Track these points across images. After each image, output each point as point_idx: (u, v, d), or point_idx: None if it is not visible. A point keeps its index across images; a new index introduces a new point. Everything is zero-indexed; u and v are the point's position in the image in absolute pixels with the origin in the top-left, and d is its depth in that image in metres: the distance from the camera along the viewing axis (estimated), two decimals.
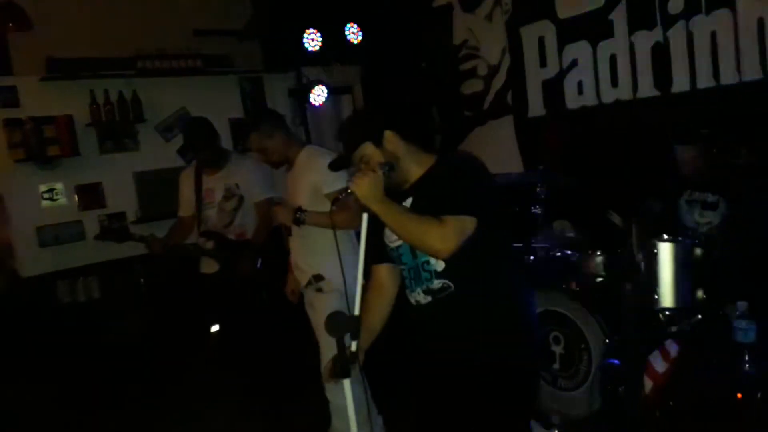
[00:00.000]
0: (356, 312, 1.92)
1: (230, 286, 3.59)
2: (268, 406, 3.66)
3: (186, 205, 3.80)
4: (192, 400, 4.05)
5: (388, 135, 2.05)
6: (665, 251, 2.87)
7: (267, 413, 3.64)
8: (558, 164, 3.91)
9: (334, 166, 2.19)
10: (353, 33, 5.42)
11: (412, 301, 2.11)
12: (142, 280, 4.97)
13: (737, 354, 2.58)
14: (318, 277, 3.11)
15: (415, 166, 2.07)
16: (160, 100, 5.27)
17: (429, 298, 2.04)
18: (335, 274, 2.82)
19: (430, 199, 1.97)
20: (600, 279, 3.33)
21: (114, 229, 4.60)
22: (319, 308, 3.08)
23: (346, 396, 1.90)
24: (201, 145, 3.63)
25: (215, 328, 3.88)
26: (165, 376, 4.38)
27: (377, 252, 2.15)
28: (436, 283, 2.01)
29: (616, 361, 2.63)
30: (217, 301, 3.70)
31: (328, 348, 2.91)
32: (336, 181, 2.84)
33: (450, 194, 1.92)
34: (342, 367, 1.89)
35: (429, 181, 2.04)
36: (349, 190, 1.94)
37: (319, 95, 5.22)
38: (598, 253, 3.52)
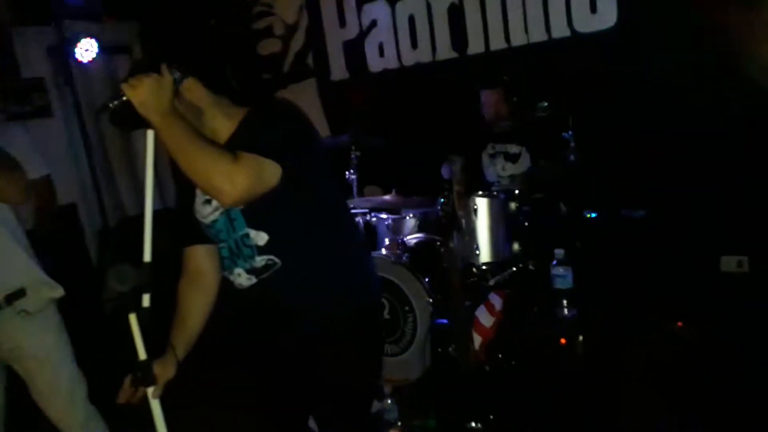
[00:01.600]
0: (147, 258, 1.57)
1: None
2: None
3: None
4: None
5: (190, 82, 1.64)
6: (482, 207, 2.93)
7: None
8: (365, 128, 3.82)
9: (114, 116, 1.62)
10: None
11: (234, 284, 1.79)
12: None
13: (557, 300, 2.73)
14: (17, 294, 2.22)
15: (223, 119, 1.71)
16: None
17: (253, 279, 1.74)
18: (35, 280, 2.21)
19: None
20: (414, 240, 3.32)
21: None
22: (38, 340, 2.28)
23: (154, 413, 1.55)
24: None
25: None
26: None
27: (189, 231, 1.79)
28: (259, 261, 1.72)
29: (444, 321, 2.61)
30: None
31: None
32: None
33: (254, 135, 1.62)
34: (144, 368, 1.57)
35: (241, 133, 1.69)
36: (123, 97, 1.52)
37: (87, 50, 4.45)
38: (411, 215, 3.53)
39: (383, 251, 3.25)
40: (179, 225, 1.80)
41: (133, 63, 1.64)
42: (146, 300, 1.60)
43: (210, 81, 1.68)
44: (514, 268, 3.02)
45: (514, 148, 3.52)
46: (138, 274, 1.57)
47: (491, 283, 2.92)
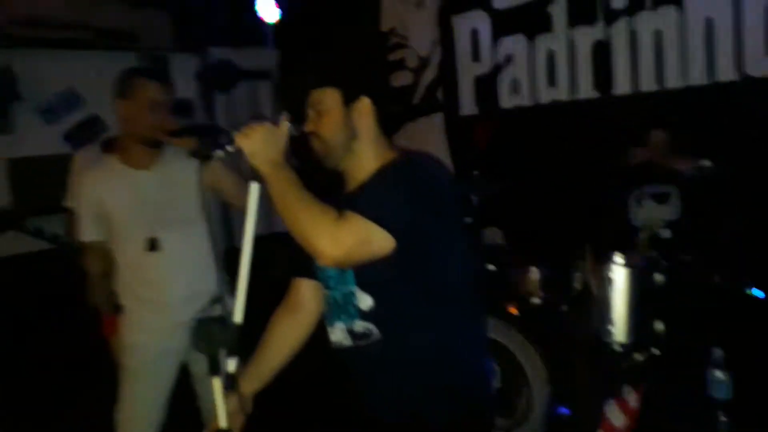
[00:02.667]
0: (237, 319, 1.44)
1: None
2: None
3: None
4: None
5: (365, 102, 1.54)
6: (621, 277, 2.53)
7: None
8: (490, 167, 3.56)
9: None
10: (269, 10, 4.85)
11: (333, 338, 1.63)
12: None
13: (710, 409, 2.24)
14: (216, 300, 2.51)
15: (371, 157, 1.56)
16: (41, 76, 4.50)
17: (350, 342, 1.56)
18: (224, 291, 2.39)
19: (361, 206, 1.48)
20: (537, 301, 2.99)
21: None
22: None
23: None
24: None
25: None
26: None
27: (304, 264, 1.64)
28: (359, 325, 1.53)
29: (565, 410, 2.26)
30: None
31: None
32: None
33: (375, 197, 1.45)
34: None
35: (374, 184, 1.53)
36: (231, 147, 1.45)
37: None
38: (534, 269, 3.20)
39: (498, 311, 2.95)
40: (296, 253, 1.61)
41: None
42: (232, 365, 1.47)
43: (383, 110, 1.56)
44: (655, 354, 2.56)
45: (664, 188, 3.12)
46: (226, 336, 1.43)
47: (624, 368, 2.49)
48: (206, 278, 2.28)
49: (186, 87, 5.07)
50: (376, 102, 1.56)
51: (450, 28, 4.51)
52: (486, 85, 4.37)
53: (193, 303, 2.28)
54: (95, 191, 2.32)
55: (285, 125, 1.49)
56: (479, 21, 4.33)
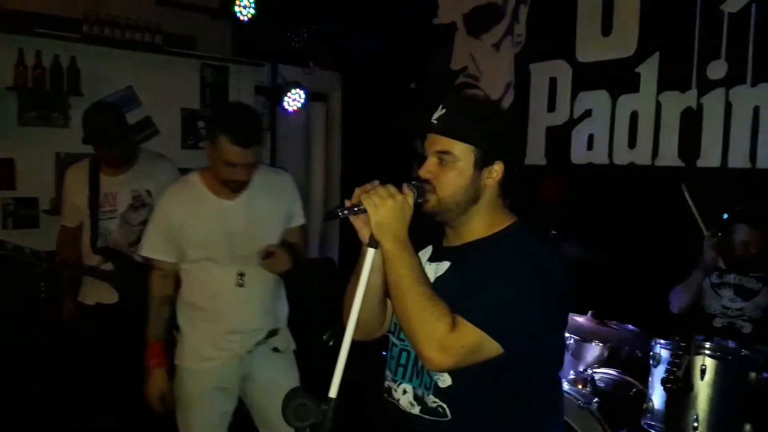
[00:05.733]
0: (332, 394, 1.28)
1: (131, 325, 2.73)
2: None
3: (72, 213, 2.97)
4: None
5: (498, 167, 1.43)
6: (711, 369, 2.32)
7: None
8: (555, 222, 3.35)
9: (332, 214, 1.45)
10: (342, 34, 4.76)
11: (393, 396, 1.48)
12: (42, 284, 4.08)
13: None
14: (273, 333, 2.43)
15: (484, 222, 1.45)
16: (104, 74, 4.45)
17: (417, 410, 1.42)
18: (284, 323, 2.48)
19: (472, 278, 1.37)
20: (603, 377, 2.77)
21: None
22: (287, 375, 2.43)
23: None
24: (114, 138, 2.80)
25: None
26: None
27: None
28: (431, 400, 1.40)
29: None
30: (112, 341, 2.79)
31: None
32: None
33: (492, 294, 1.31)
34: None
35: (488, 251, 1.41)
36: (362, 206, 1.33)
37: (294, 100, 4.48)
38: (600, 343, 2.98)
39: (566, 384, 2.73)
40: None
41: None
42: None
43: (510, 178, 1.45)
44: None
45: (752, 283, 2.90)
46: (319, 412, 1.27)
47: None
48: (277, 312, 2.43)
49: (246, 99, 5.04)
50: (508, 167, 1.44)
51: (527, 75, 4.36)
52: (558, 138, 4.20)
53: (259, 334, 2.35)
54: (176, 213, 2.24)
55: (411, 197, 1.37)
56: (560, 71, 4.18)
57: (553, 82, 4.23)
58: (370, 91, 5.15)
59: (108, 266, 2.88)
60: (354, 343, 1.31)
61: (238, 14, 4.38)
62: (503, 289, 1.32)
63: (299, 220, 2.47)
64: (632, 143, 3.85)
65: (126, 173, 2.92)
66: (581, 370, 2.85)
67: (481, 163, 1.41)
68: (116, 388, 2.86)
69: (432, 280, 1.44)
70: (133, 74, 4.58)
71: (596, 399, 2.59)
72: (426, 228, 1.50)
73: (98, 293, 2.88)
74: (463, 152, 1.41)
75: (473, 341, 1.29)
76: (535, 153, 4.35)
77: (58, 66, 4.22)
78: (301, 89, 4.47)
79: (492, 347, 1.29)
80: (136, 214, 2.91)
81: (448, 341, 1.28)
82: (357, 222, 1.39)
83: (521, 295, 1.32)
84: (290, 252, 2.33)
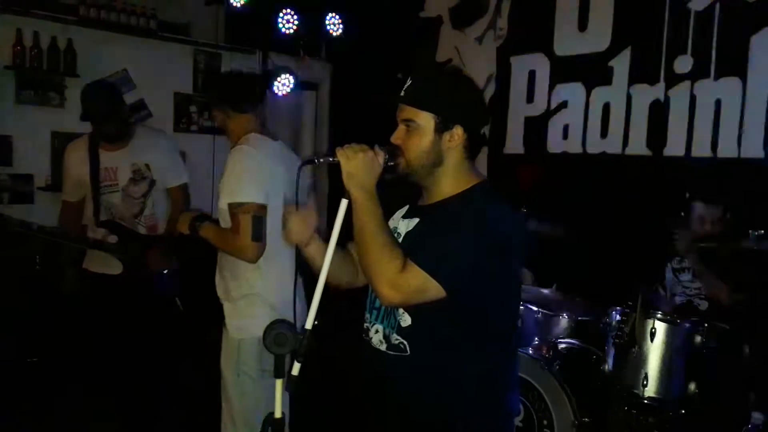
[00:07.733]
0: (308, 326, 1.48)
1: (136, 294, 2.89)
2: None
3: (74, 188, 3.03)
4: None
5: (458, 131, 1.58)
6: (660, 332, 2.52)
7: None
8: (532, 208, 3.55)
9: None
10: (333, 24, 4.92)
11: (368, 335, 1.66)
12: (37, 256, 4.21)
13: None
14: None
15: (450, 183, 1.62)
16: (99, 57, 4.58)
17: (384, 347, 1.61)
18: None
19: (429, 230, 1.57)
20: (566, 346, 2.97)
21: None
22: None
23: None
24: (108, 114, 2.90)
25: None
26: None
27: None
28: (395, 338, 1.58)
29: None
30: (115, 312, 2.89)
31: (236, 392, 2.38)
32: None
33: (440, 242, 1.49)
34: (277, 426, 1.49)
35: (449, 208, 1.59)
36: (333, 159, 1.51)
37: (284, 85, 4.65)
38: (565, 315, 3.18)
39: (530, 350, 2.93)
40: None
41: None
42: (296, 369, 1.49)
43: (474, 141, 1.62)
44: (683, 412, 2.55)
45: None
46: (296, 340, 1.46)
47: (652, 422, 2.48)
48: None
49: None
50: (468, 131, 1.60)
51: (508, 67, 4.56)
52: (535, 128, 4.40)
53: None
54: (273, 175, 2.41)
55: (382, 156, 1.54)
56: (538, 64, 4.38)
57: (532, 74, 4.43)
58: (358, 81, 5.32)
59: (114, 239, 2.97)
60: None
61: (232, 1, 4.52)
62: (449, 238, 1.49)
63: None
64: (604, 133, 4.06)
65: (123, 148, 3.01)
66: (548, 340, 3.04)
67: (441, 128, 1.57)
68: (116, 364, 2.94)
69: (403, 234, 1.63)
70: (128, 57, 4.71)
71: (558, 362, 2.78)
72: (408, 191, 1.68)
73: (104, 263, 2.96)
74: (424, 119, 1.57)
75: (419, 282, 1.45)
76: (514, 142, 4.56)
77: (55, 47, 4.36)
78: (290, 74, 4.63)
79: (435, 289, 1.45)
80: (137, 187, 3.02)
81: (398, 280, 1.45)
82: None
83: (464, 243, 1.48)
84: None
